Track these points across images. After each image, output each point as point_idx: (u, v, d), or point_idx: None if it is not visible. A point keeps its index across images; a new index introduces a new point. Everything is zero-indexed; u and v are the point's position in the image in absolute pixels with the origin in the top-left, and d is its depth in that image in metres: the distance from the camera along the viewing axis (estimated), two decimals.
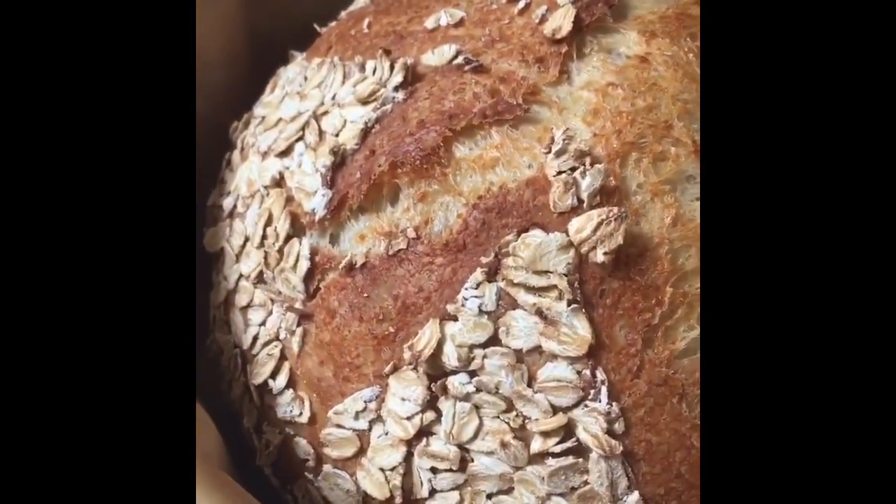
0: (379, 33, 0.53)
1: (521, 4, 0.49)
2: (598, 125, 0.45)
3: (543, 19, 0.48)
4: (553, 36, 0.47)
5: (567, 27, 0.47)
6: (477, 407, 0.43)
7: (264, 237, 0.50)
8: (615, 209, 0.43)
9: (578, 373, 0.43)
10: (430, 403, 0.44)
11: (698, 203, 0.44)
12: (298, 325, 0.48)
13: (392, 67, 0.49)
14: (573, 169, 0.44)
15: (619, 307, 0.43)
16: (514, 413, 0.43)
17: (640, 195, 0.44)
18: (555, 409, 0.43)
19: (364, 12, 0.56)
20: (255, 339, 0.50)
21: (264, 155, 0.52)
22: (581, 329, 0.42)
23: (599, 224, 0.42)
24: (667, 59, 0.47)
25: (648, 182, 0.44)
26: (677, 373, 0.43)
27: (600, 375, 0.43)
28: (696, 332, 0.43)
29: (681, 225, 0.44)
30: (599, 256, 0.42)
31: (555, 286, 0.43)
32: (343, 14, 0.61)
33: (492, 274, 0.43)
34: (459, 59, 0.48)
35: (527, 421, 0.43)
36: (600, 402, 0.43)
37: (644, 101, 0.46)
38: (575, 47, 0.47)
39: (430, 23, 0.51)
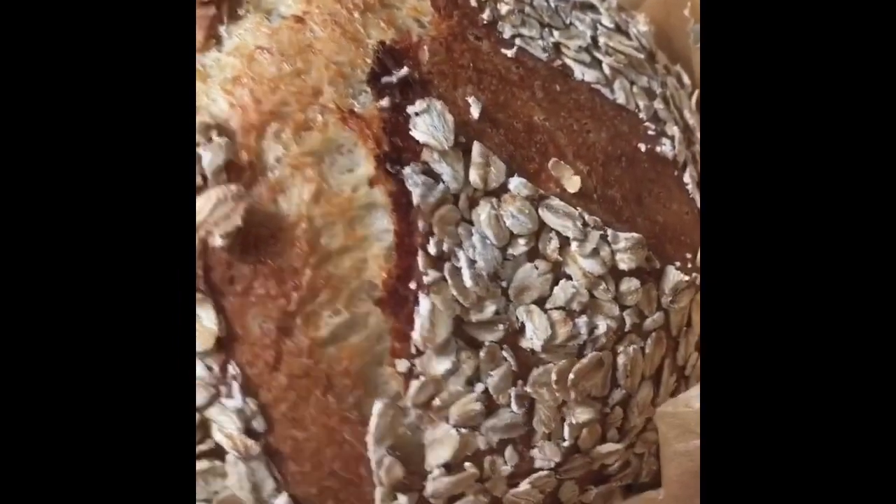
0: None
1: None
2: (236, 94, 0.41)
3: None
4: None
5: None
6: None
7: None
8: (233, 188, 0.39)
9: (209, 368, 0.39)
10: None
11: (349, 175, 0.41)
12: None
13: None
14: (197, 144, 0.40)
15: (251, 294, 0.39)
16: None
17: (278, 170, 0.40)
18: None
19: None
20: None
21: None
22: (207, 321, 0.39)
23: (216, 204, 0.38)
24: (325, 19, 0.43)
25: (289, 154, 0.40)
26: (321, 363, 0.39)
27: (232, 370, 0.39)
28: (343, 316, 0.39)
29: (324, 201, 0.40)
30: (217, 240, 0.38)
31: None
32: None
33: None
34: None
35: None
36: (234, 398, 0.39)
37: (292, 66, 0.42)
38: (226, 10, 0.43)
39: None
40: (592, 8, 0.51)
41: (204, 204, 0.39)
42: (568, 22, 0.48)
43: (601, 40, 0.49)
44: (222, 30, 0.43)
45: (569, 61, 0.46)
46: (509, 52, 0.44)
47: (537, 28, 0.46)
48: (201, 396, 0.39)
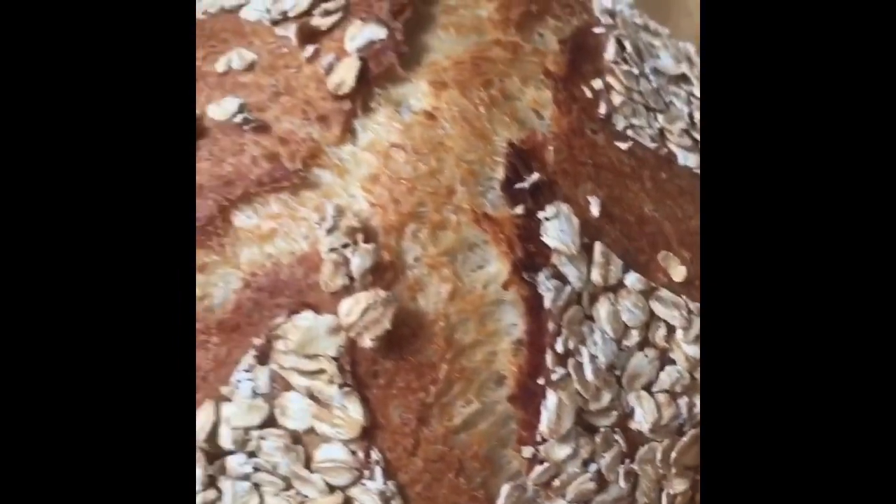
0: None
1: (309, 51, 0.47)
2: (376, 193, 0.44)
3: (330, 69, 0.46)
4: (336, 91, 0.45)
5: (350, 83, 0.45)
6: (257, 485, 0.43)
7: None
8: (382, 293, 0.41)
9: (354, 453, 0.42)
10: (211, 482, 0.44)
11: (479, 272, 0.43)
12: None
13: None
14: (345, 246, 0.42)
15: (393, 387, 0.42)
16: (293, 491, 0.43)
17: (416, 269, 0.43)
18: (332, 489, 0.42)
19: None
20: None
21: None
22: (354, 412, 0.42)
23: (367, 309, 0.41)
24: (455, 115, 0.45)
25: (426, 255, 0.43)
26: (454, 449, 0.43)
27: (375, 455, 0.42)
28: (474, 406, 0.43)
29: (459, 298, 0.43)
30: (367, 342, 0.41)
31: (325, 370, 0.42)
32: None
33: (263, 357, 0.43)
34: (239, 118, 0.45)
35: (306, 500, 0.43)
36: (376, 480, 0.42)
37: (427, 165, 0.44)
38: (360, 102, 0.45)
39: (221, 65, 0.48)
40: (685, 79, 0.53)
41: (353, 307, 0.42)
42: (668, 101, 0.51)
43: (696, 115, 0.51)
44: (357, 123, 0.45)
45: (673, 147, 0.49)
46: (623, 146, 0.47)
47: (644, 115, 0.49)
48: (345, 478, 0.42)
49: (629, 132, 0.48)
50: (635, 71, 0.50)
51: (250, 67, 0.48)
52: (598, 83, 0.48)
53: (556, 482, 0.44)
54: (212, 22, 0.52)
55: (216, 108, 0.47)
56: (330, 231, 0.42)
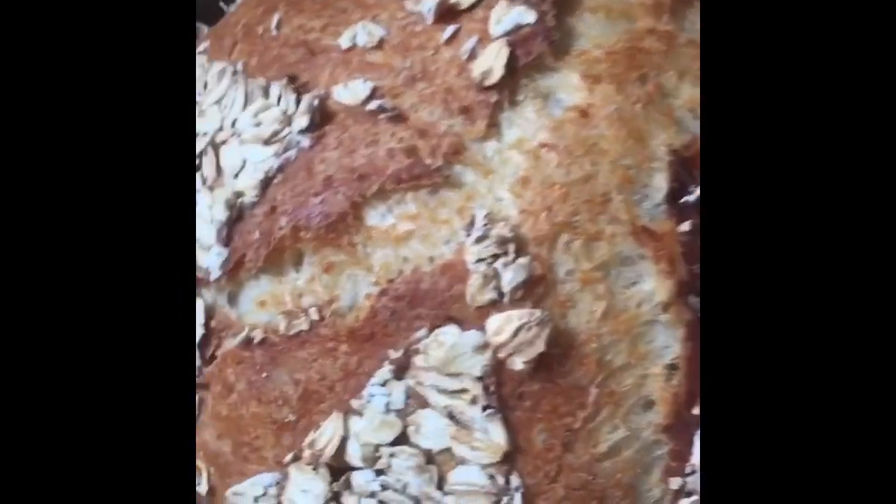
0: (289, 40, 0.46)
1: (448, 32, 0.42)
2: (527, 199, 0.40)
3: (472, 55, 0.42)
4: (482, 81, 0.41)
5: (499, 72, 0.41)
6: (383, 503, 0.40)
7: None
8: (537, 313, 0.38)
9: (491, 477, 0.39)
10: (334, 498, 0.41)
11: (633, 289, 0.40)
12: (195, 392, 0.44)
13: (298, 101, 0.43)
14: (495, 257, 0.39)
15: (538, 410, 0.39)
16: None
17: (569, 284, 0.40)
18: None
19: (276, 0, 0.49)
20: None
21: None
22: (496, 435, 0.39)
23: (520, 328, 0.38)
24: (610, 114, 0.41)
25: (579, 269, 0.40)
26: (597, 477, 0.40)
27: (515, 481, 0.40)
28: (621, 432, 0.40)
29: (612, 318, 0.40)
30: (518, 364, 0.38)
31: (468, 390, 0.39)
32: None
33: (400, 371, 0.39)
34: (373, 105, 0.41)
35: None
36: None
37: (581, 169, 0.40)
38: (507, 96, 0.41)
39: (345, 40, 0.44)
40: None
41: (503, 325, 0.38)
42: None
43: None
44: (503, 117, 0.41)
45: None
46: None
47: None
48: (479, 503, 0.40)
49: None
50: None
51: (379, 45, 0.43)
52: None
53: None
54: None
55: (344, 91, 0.43)
56: (479, 240, 0.39)
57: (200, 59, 0.49)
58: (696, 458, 0.40)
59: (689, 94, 0.43)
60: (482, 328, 0.39)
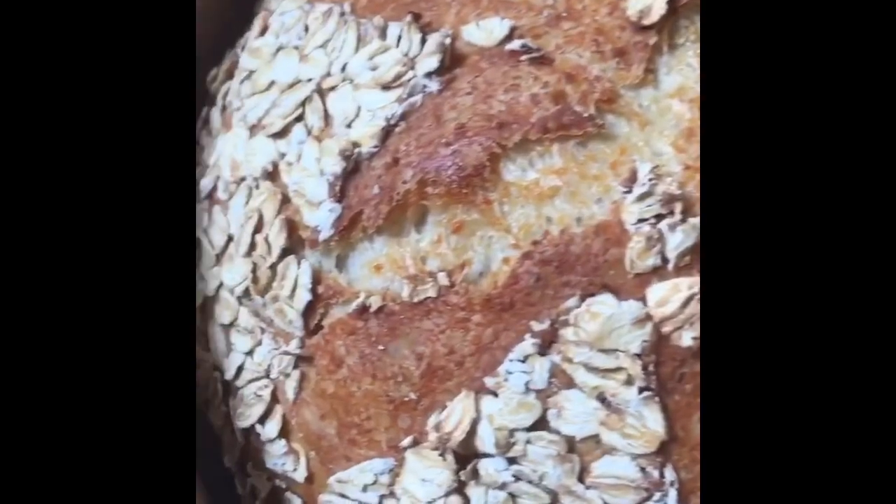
0: None
1: None
2: (692, 153, 0.35)
3: None
4: (639, 20, 0.36)
5: (659, 9, 0.36)
6: (514, 496, 0.36)
7: (253, 245, 0.40)
8: None
9: (643, 469, 0.34)
10: (458, 488, 0.36)
11: None
12: (295, 366, 0.39)
13: (423, 41, 0.38)
14: (659, 217, 0.34)
15: (699, 394, 0.34)
16: None
17: None
18: None
19: None
20: (241, 369, 0.41)
21: (252, 129, 0.42)
22: (652, 422, 0.34)
23: (689, 299, 0.33)
24: None
25: None
26: None
27: (670, 475, 0.35)
28: None
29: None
30: (686, 340, 0.33)
31: (624, 368, 0.34)
32: None
33: (545, 346, 0.34)
34: (515, 44, 0.36)
35: None
36: None
37: None
38: (666, 38, 0.36)
39: None
40: None
41: (669, 294, 0.33)
42: None
43: None
44: (661, 61, 0.36)
45: None
46: None
47: None
48: (629, 498, 0.35)
49: None
50: None
51: None
52: None
53: None
54: None
55: (477, 31, 0.38)
56: (642, 198, 0.34)
57: (298, 3, 0.45)
58: None
59: None
60: (642, 298, 0.34)
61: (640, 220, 0.34)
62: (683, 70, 0.36)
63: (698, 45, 0.37)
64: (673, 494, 0.35)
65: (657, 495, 0.35)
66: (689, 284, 0.33)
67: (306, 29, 0.42)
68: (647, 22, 0.36)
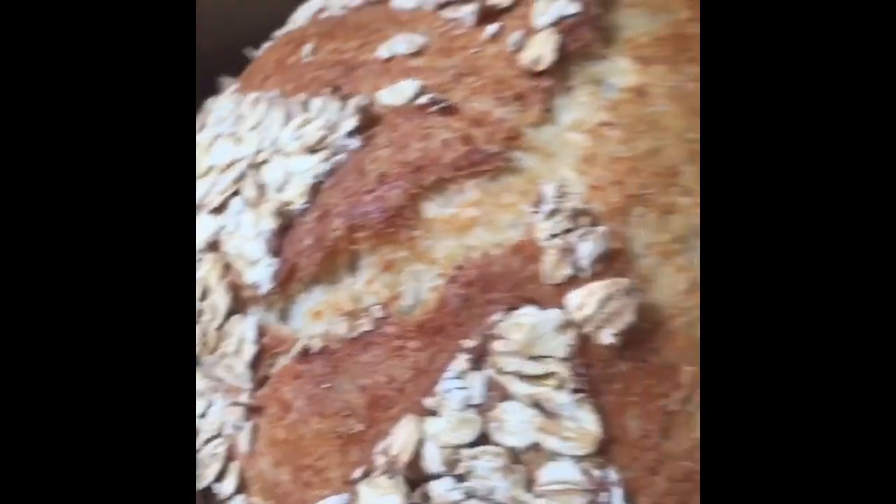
0: (324, 63, 0.45)
1: (491, 30, 0.42)
2: (593, 175, 0.38)
3: (519, 46, 0.41)
4: (533, 68, 0.40)
5: (549, 57, 0.40)
6: None
7: (200, 312, 0.42)
8: (623, 282, 0.36)
9: (586, 472, 0.36)
10: None
11: None
12: (247, 419, 0.40)
13: (343, 108, 0.42)
14: (569, 230, 0.37)
15: (630, 393, 0.36)
16: None
17: (648, 258, 0.37)
18: None
19: (304, 35, 0.48)
20: (196, 432, 0.42)
21: (196, 210, 0.44)
22: (587, 422, 0.36)
23: (605, 300, 0.36)
24: (668, 91, 0.40)
25: (657, 241, 0.38)
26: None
27: (612, 475, 0.36)
28: None
29: (697, 291, 0.37)
30: (607, 338, 0.36)
31: (554, 373, 0.36)
32: (278, 35, 0.53)
33: (478, 360, 0.36)
34: (423, 99, 0.40)
35: None
36: None
37: (645, 144, 0.39)
38: (559, 80, 0.40)
39: (384, 51, 0.43)
40: None
41: (586, 299, 0.36)
42: None
43: None
44: (557, 102, 0.40)
45: None
46: None
47: None
48: (577, 502, 0.36)
49: None
50: None
51: (420, 52, 0.43)
52: None
53: None
54: (355, 16, 0.48)
55: (389, 94, 0.42)
56: (551, 214, 0.37)
57: (231, 98, 0.49)
58: None
59: None
60: (562, 306, 0.36)
61: (552, 236, 0.37)
62: (578, 107, 0.40)
63: (590, 85, 0.41)
64: (618, 493, 0.36)
65: (602, 496, 0.36)
66: (603, 286, 0.36)
67: (239, 117, 0.46)
68: (540, 68, 0.40)
